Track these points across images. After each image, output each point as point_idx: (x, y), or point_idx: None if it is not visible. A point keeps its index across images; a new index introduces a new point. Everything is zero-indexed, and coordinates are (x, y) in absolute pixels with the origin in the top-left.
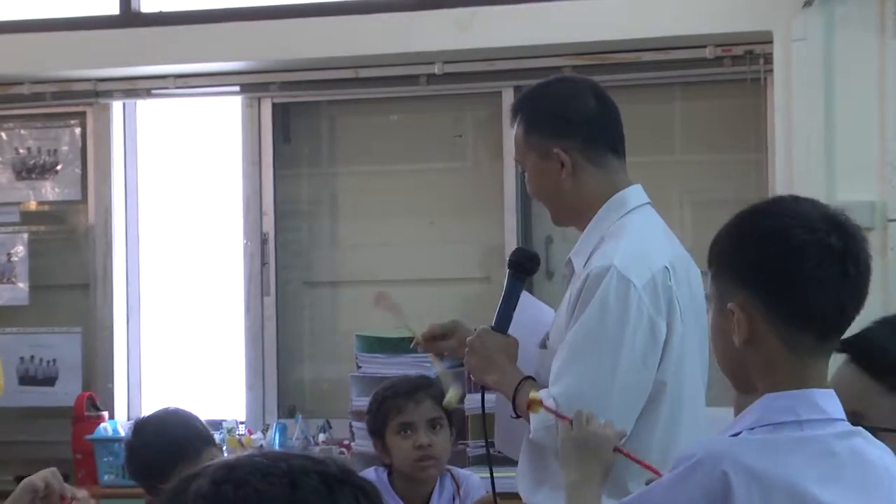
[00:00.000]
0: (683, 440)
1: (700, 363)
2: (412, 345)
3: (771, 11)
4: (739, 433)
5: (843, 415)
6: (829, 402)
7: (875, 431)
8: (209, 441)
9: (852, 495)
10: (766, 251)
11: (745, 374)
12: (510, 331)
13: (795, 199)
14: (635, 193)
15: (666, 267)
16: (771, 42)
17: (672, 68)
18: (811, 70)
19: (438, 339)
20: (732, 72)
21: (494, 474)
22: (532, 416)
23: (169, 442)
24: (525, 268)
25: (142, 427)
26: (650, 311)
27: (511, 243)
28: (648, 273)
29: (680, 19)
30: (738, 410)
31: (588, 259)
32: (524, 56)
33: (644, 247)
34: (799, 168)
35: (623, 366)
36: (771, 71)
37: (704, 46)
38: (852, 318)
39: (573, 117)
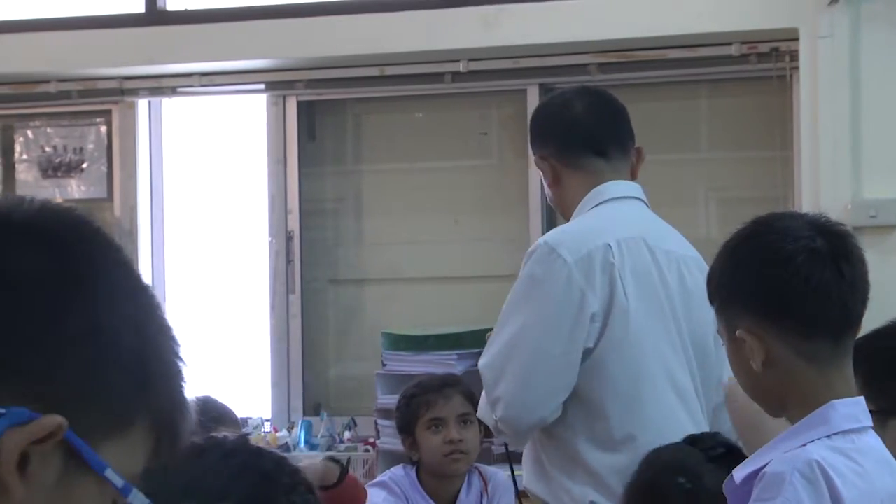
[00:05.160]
0: (652, 419)
1: (670, 345)
2: None
3: (797, 9)
4: (808, 443)
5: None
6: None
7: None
8: (215, 423)
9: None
10: (760, 273)
11: (773, 398)
12: None
13: (777, 215)
14: (614, 187)
15: (608, 244)
16: (797, 39)
17: (697, 66)
18: (837, 67)
19: None
20: (758, 69)
21: (521, 472)
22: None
23: None
24: None
25: None
26: (581, 284)
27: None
28: (584, 249)
29: (705, 16)
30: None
31: None
32: (550, 53)
33: (589, 227)
34: (824, 166)
35: (547, 337)
36: (797, 68)
37: (730, 44)
38: (860, 316)
39: (549, 125)
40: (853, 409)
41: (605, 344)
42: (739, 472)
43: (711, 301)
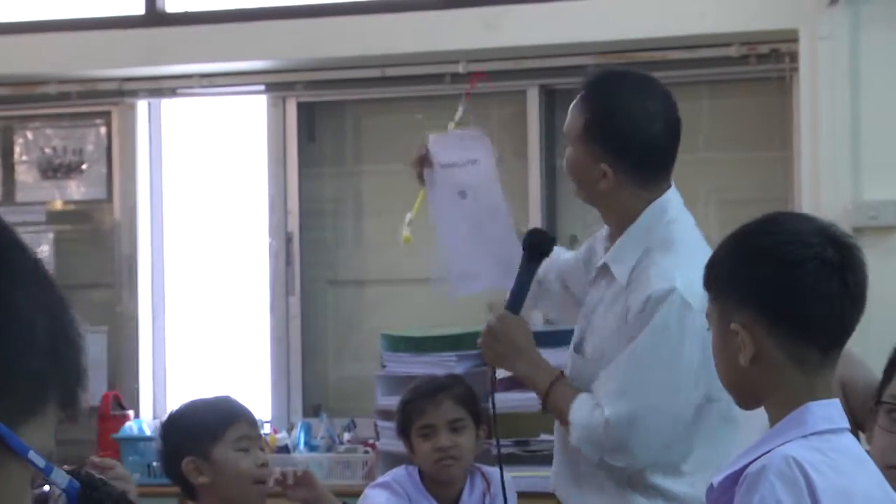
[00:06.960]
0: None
1: None
2: None
3: (797, 10)
4: (785, 443)
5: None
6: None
7: None
8: (232, 419)
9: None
10: (765, 269)
11: (751, 392)
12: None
13: (788, 216)
14: (674, 200)
15: None
16: (797, 40)
17: (698, 67)
18: (837, 68)
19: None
20: (758, 70)
21: (522, 474)
22: (574, 425)
23: (187, 427)
24: (543, 250)
25: (164, 424)
26: (704, 329)
27: None
28: (704, 293)
29: (706, 18)
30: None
31: (633, 270)
32: (550, 55)
33: (699, 264)
34: (824, 167)
35: (677, 390)
36: (797, 69)
37: (730, 45)
38: (853, 329)
39: (634, 140)
40: (828, 411)
41: (711, 381)
42: (718, 478)
43: (708, 287)
